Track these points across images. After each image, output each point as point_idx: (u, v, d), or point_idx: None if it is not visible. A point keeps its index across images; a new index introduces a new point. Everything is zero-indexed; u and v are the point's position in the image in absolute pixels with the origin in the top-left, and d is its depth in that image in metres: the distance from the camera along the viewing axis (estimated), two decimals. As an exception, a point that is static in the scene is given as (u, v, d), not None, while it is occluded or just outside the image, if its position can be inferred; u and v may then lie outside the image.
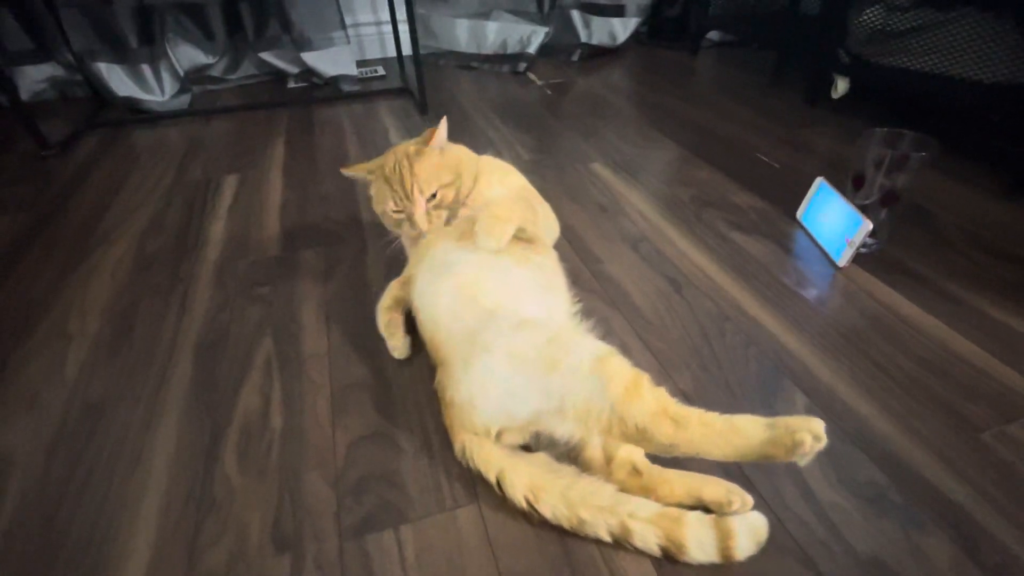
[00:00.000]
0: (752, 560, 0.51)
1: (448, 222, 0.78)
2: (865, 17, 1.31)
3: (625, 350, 0.75)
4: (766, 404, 0.67)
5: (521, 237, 0.74)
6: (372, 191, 0.81)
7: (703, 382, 0.70)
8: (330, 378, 0.73)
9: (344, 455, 0.63)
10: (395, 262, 0.87)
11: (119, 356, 0.78)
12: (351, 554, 0.53)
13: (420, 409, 0.68)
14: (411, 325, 0.75)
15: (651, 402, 0.51)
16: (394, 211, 0.77)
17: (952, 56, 1.15)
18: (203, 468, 0.62)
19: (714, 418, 0.50)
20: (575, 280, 0.88)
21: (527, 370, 0.55)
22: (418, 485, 0.59)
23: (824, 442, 0.46)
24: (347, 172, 0.82)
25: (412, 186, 0.74)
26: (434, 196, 0.76)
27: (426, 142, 0.76)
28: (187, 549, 0.54)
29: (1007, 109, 1.09)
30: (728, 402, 0.67)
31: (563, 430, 0.55)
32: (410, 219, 0.76)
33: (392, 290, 0.78)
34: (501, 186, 0.82)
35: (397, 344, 0.75)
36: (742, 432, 0.49)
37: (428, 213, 0.75)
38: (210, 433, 0.66)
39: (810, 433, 0.46)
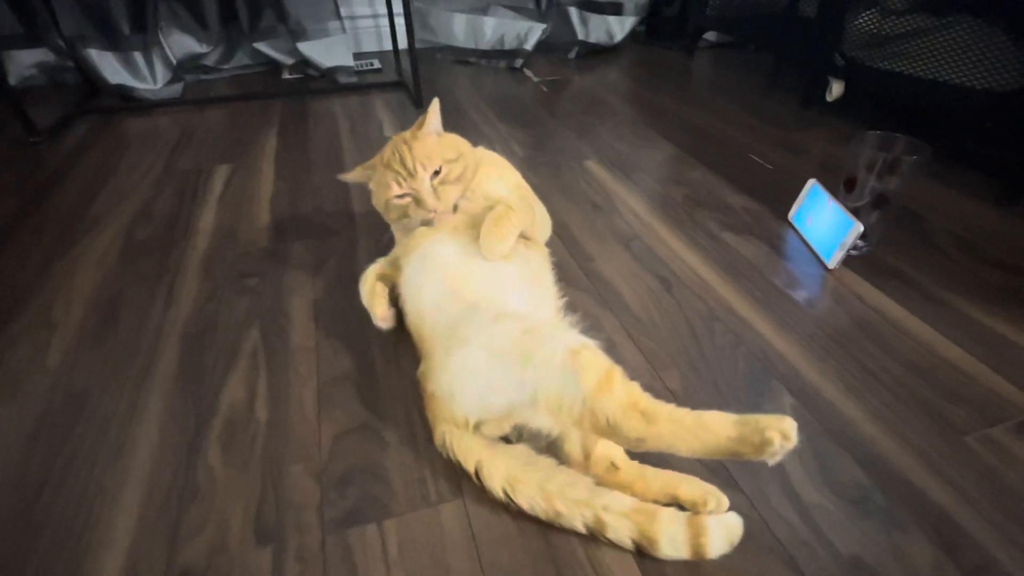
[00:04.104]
0: (735, 559, 0.51)
1: (455, 206, 0.75)
2: (861, 20, 1.31)
3: (614, 348, 0.76)
4: (753, 404, 0.67)
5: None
6: (372, 185, 0.78)
7: (691, 381, 0.70)
8: (317, 370, 0.72)
9: (329, 448, 0.62)
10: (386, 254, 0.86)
11: (104, 345, 0.77)
12: (333, 547, 0.53)
13: (406, 403, 0.68)
14: (397, 303, 0.74)
15: (622, 396, 0.50)
16: (398, 196, 0.73)
17: (945, 61, 1.15)
18: (186, 459, 0.61)
19: (684, 414, 0.49)
20: (566, 277, 0.88)
21: (502, 362, 0.55)
22: (403, 479, 0.59)
23: (794, 442, 0.45)
24: (344, 178, 0.79)
25: (413, 162, 0.71)
26: (437, 173, 0.72)
27: (420, 126, 0.74)
28: (168, 539, 0.54)
29: (999, 115, 1.09)
30: (716, 402, 0.68)
31: (538, 422, 0.54)
32: (417, 199, 0.72)
33: (378, 265, 0.76)
34: (501, 182, 0.79)
35: (382, 313, 0.73)
36: (711, 428, 0.48)
37: (435, 189, 0.72)
38: (194, 424, 0.65)
39: (779, 432, 0.45)
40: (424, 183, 0.72)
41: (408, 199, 0.73)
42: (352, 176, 0.79)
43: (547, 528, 0.53)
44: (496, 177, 0.80)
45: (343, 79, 1.81)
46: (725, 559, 0.51)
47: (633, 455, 0.57)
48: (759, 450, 0.46)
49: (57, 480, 0.60)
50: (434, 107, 0.75)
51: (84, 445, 0.63)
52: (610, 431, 0.51)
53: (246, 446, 0.63)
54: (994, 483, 0.58)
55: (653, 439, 0.49)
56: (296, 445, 0.63)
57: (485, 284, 0.65)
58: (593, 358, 0.52)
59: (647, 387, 0.53)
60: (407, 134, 0.75)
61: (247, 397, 0.69)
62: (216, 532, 0.54)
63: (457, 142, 0.77)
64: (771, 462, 0.46)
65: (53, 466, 0.61)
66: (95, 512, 0.56)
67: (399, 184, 0.72)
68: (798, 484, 0.58)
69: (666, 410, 0.50)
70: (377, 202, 0.78)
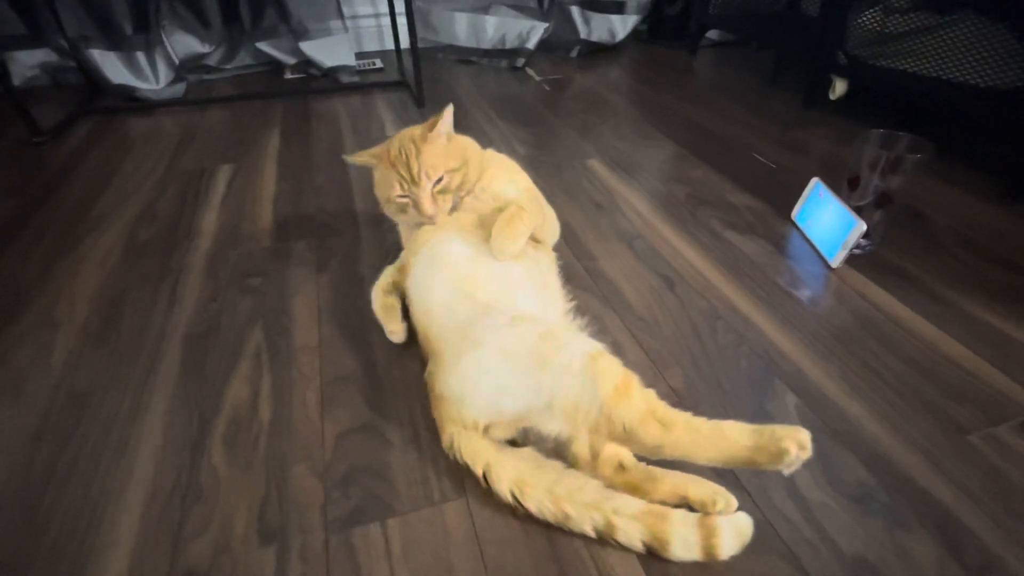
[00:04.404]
0: (738, 559, 0.51)
1: (452, 209, 0.76)
2: (864, 19, 1.31)
3: (617, 347, 0.75)
4: (756, 403, 0.67)
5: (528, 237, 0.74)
6: (376, 176, 0.79)
7: (694, 380, 0.70)
8: (320, 370, 0.73)
9: (332, 448, 0.62)
10: (390, 255, 0.87)
11: (107, 345, 0.78)
12: (337, 547, 0.53)
13: (410, 403, 0.68)
14: (407, 310, 0.75)
15: (640, 403, 0.51)
16: (399, 197, 0.75)
17: (948, 59, 1.15)
18: (190, 459, 0.62)
19: (701, 423, 0.51)
20: (569, 277, 0.88)
21: (518, 366, 0.55)
22: (406, 479, 0.59)
23: (809, 452, 0.47)
24: (349, 159, 0.80)
25: (419, 170, 0.72)
26: (439, 181, 0.74)
27: (432, 127, 0.75)
28: (171, 539, 0.54)
29: (1002, 113, 1.09)
30: (719, 401, 0.68)
31: (551, 426, 0.55)
32: (416, 204, 0.74)
33: (388, 275, 0.77)
34: (511, 184, 0.80)
35: (395, 328, 0.74)
36: (728, 438, 0.49)
37: (434, 197, 0.74)
38: (198, 424, 0.66)
39: (795, 442, 0.47)
40: (425, 192, 0.73)
41: (408, 200, 0.75)
42: (357, 159, 0.79)
43: (551, 528, 0.53)
44: (506, 179, 0.80)
45: (345, 79, 1.81)
46: (729, 558, 0.50)
47: (639, 456, 0.57)
48: (776, 459, 0.47)
49: (61, 480, 0.60)
50: (448, 112, 0.76)
51: (87, 445, 0.63)
52: (627, 438, 0.51)
53: (249, 446, 0.63)
54: (998, 482, 0.57)
55: (670, 447, 0.50)
56: (299, 445, 0.63)
57: (495, 285, 0.66)
58: (611, 365, 0.53)
59: (650, 386, 0.54)
60: (417, 132, 0.75)
61: (250, 397, 0.69)
62: (220, 532, 0.54)
63: (465, 147, 0.77)
64: (786, 472, 0.48)
65: (56, 466, 0.61)
66: (99, 512, 0.57)
67: (402, 187, 0.74)
68: (801, 483, 0.57)
69: (683, 418, 0.51)
70: (379, 194, 0.79)
